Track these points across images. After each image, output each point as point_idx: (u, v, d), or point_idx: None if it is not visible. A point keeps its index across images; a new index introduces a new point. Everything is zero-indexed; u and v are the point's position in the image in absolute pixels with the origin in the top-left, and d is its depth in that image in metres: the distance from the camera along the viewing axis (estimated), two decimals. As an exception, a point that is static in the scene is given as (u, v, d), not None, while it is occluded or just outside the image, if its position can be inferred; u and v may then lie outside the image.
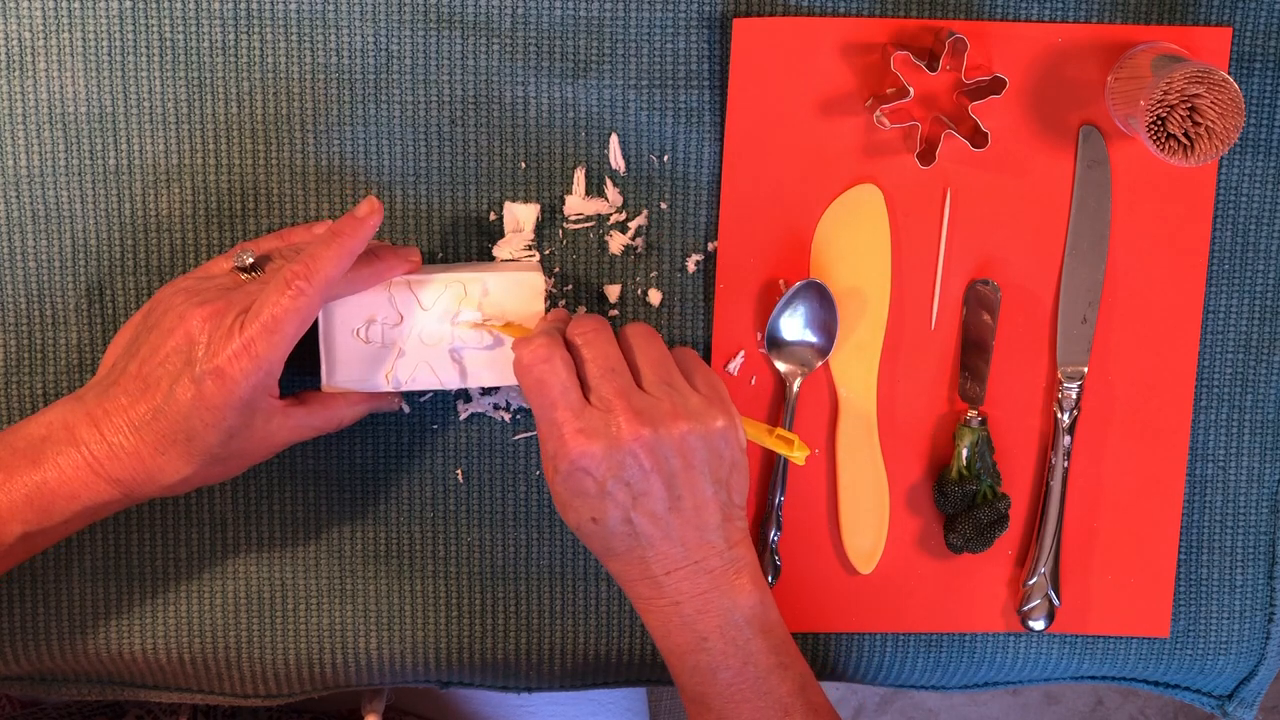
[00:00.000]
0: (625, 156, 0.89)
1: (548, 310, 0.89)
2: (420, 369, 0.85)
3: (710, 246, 0.91)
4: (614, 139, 0.89)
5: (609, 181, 0.90)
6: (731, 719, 0.81)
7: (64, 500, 0.78)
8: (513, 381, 0.86)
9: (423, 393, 0.90)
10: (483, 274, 0.85)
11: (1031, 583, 0.94)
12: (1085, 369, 0.92)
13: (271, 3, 0.86)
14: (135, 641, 0.92)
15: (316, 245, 0.79)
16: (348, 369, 0.85)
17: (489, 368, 0.86)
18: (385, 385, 0.85)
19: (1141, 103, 0.81)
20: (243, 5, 0.86)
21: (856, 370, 0.92)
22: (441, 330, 0.85)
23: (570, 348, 0.82)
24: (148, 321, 0.80)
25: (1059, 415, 0.93)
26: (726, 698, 0.81)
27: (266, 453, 0.83)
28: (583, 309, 0.91)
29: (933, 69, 0.86)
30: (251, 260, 0.81)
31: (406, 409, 0.91)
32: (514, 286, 0.85)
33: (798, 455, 0.85)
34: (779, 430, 0.86)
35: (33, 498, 0.78)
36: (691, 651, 0.81)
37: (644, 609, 0.82)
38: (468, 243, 0.90)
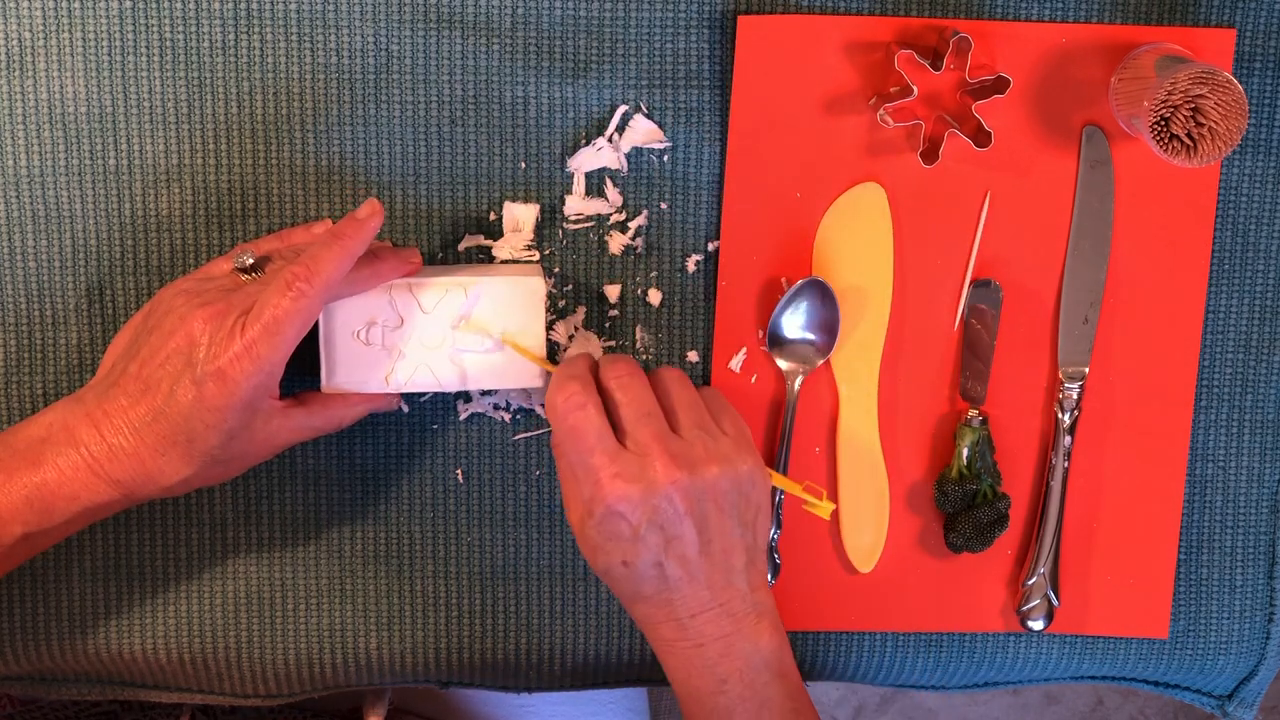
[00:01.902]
0: (625, 156, 0.89)
1: (549, 312, 0.89)
2: (420, 371, 0.85)
3: (710, 246, 0.91)
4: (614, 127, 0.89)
5: (609, 181, 0.89)
6: None
7: (64, 501, 0.78)
8: (511, 385, 0.86)
9: (422, 393, 0.90)
10: (483, 278, 0.85)
11: (1031, 583, 0.94)
12: (1086, 369, 0.92)
13: (271, 3, 0.86)
14: (135, 641, 0.92)
15: (317, 247, 0.79)
16: (348, 370, 0.85)
17: (489, 371, 0.86)
18: (385, 387, 0.85)
19: (1145, 103, 0.81)
20: (243, 5, 0.86)
21: (858, 369, 0.92)
22: (442, 333, 0.85)
23: (603, 391, 0.82)
24: (148, 323, 0.80)
25: (1060, 415, 0.93)
26: None
27: (267, 454, 0.83)
28: (585, 340, 0.90)
29: (937, 68, 0.86)
30: (251, 261, 0.81)
31: (406, 408, 0.90)
32: (514, 291, 0.85)
33: (824, 508, 0.86)
34: (808, 482, 0.87)
35: (33, 499, 0.78)
36: (711, 694, 0.81)
37: (665, 651, 0.82)
38: (468, 243, 0.89)
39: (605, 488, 0.79)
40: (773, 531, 0.92)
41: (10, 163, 0.87)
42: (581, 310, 0.91)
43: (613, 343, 0.91)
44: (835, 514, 0.93)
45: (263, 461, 0.84)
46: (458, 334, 0.85)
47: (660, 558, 0.79)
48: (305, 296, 0.77)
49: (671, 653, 0.82)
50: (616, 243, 0.90)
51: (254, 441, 0.81)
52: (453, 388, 0.86)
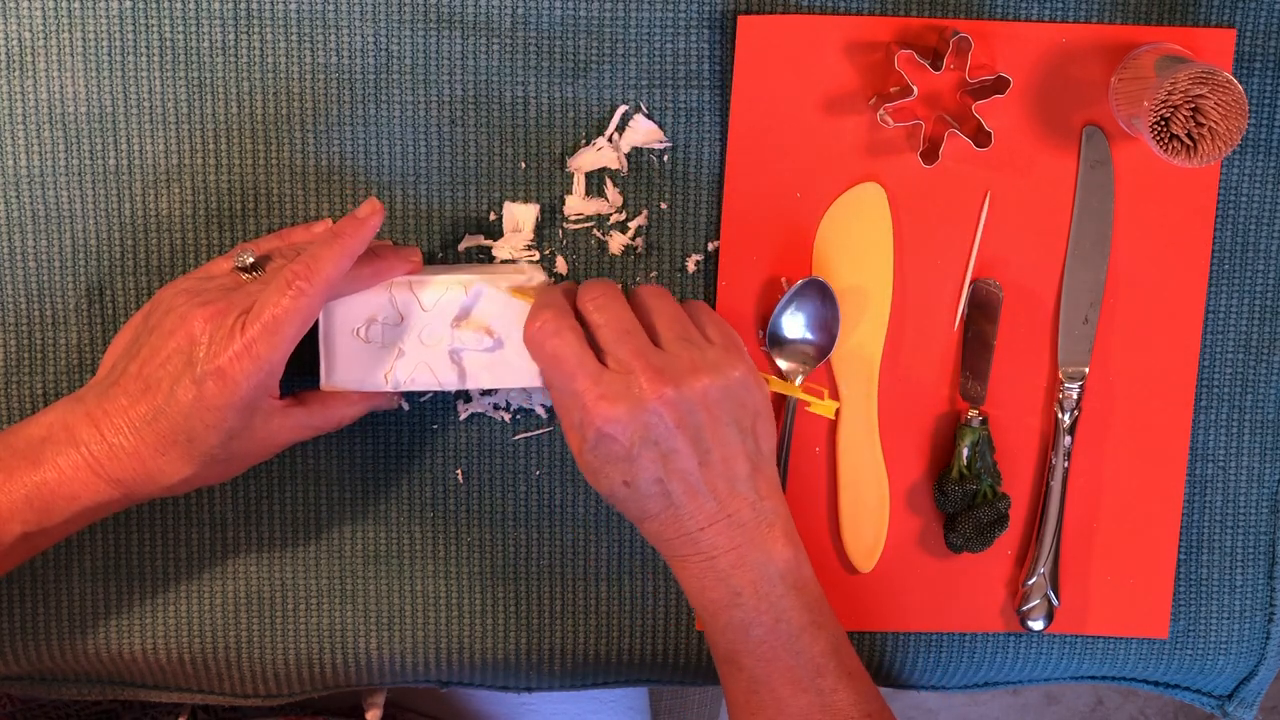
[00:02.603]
0: (625, 156, 0.89)
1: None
2: (419, 370, 0.85)
3: (710, 246, 0.91)
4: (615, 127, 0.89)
5: (609, 181, 0.89)
6: (763, 678, 0.81)
7: (64, 500, 0.78)
8: (512, 384, 0.86)
9: (422, 393, 0.90)
10: (484, 275, 0.85)
11: (1031, 583, 0.94)
12: (1086, 369, 0.92)
13: (271, 3, 0.86)
14: (135, 641, 0.92)
15: (317, 246, 0.79)
16: (347, 369, 0.84)
17: (488, 369, 0.85)
18: (384, 385, 0.85)
19: (1145, 103, 0.81)
20: (243, 5, 0.86)
21: (858, 369, 0.92)
22: (441, 331, 0.85)
23: (581, 315, 0.82)
24: (148, 322, 0.80)
25: (1060, 415, 0.93)
26: (758, 656, 0.80)
27: (267, 453, 0.83)
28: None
29: (937, 68, 0.86)
30: (252, 260, 0.81)
31: (406, 406, 0.90)
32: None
33: (827, 406, 0.85)
34: (807, 383, 0.86)
35: (32, 498, 0.78)
36: (725, 608, 0.80)
37: (679, 566, 0.82)
38: (468, 244, 0.89)
39: (592, 410, 0.78)
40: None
41: (10, 163, 0.87)
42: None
43: (613, 343, 0.91)
44: (835, 514, 0.93)
45: (263, 461, 0.84)
46: (457, 332, 0.85)
47: (660, 474, 0.79)
48: (305, 295, 0.77)
49: (685, 568, 0.81)
50: (616, 243, 0.90)
51: (254, 441, 0.81)
52: (452, 387, 0.86)
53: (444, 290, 0.84)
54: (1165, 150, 0.82)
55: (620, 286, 0.85)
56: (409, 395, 0.90)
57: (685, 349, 0.80)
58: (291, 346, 0.78)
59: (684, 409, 0.78)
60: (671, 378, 0.78)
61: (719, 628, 0.81)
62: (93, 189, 0.87)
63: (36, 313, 0.88)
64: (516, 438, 0.92)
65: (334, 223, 0.86)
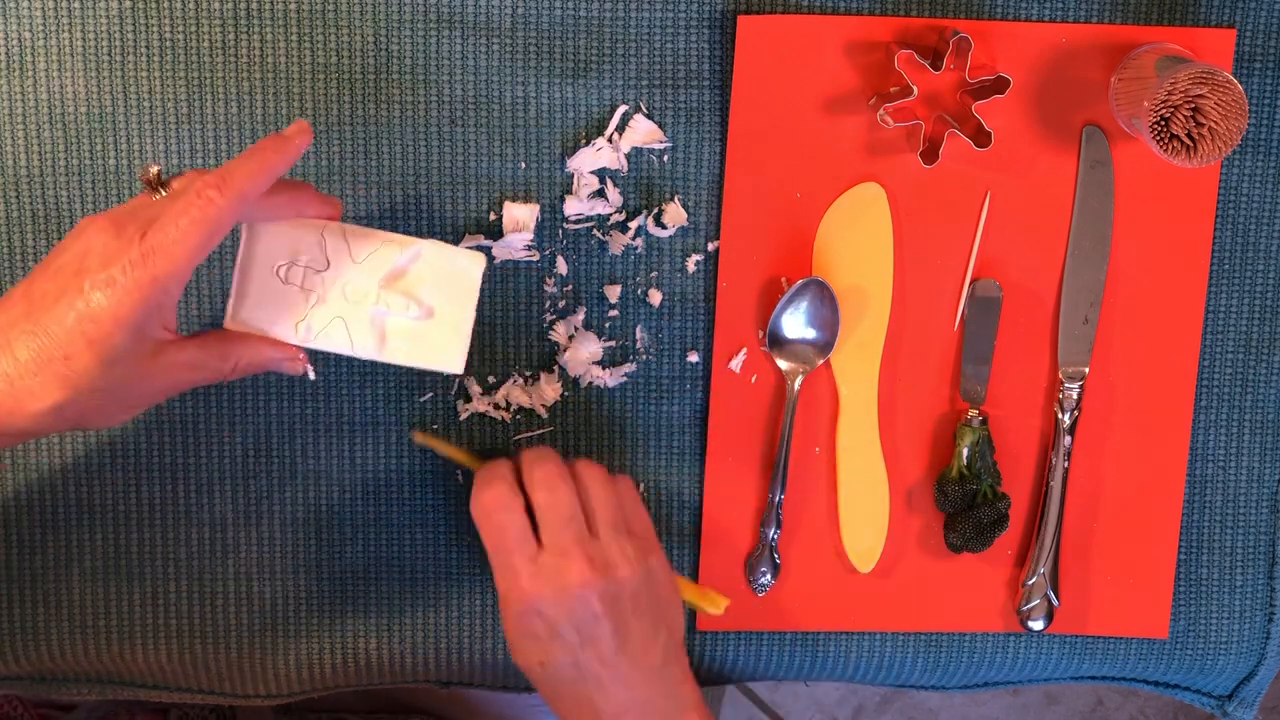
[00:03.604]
0: (625, 156, 0.89)
1: (549, 313, 0.89)
2: (335, 325, 0.79)
3: (710, 246, 0.91)
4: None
5: (609, 181, 0.89)
6: None
7: None
8: (430, 365, 0.80)
9: (332, 356, 0.86)
10: (424, 244, 0.80)
11: (1031, 583, 0.94)
12: (1086, 369, 0.92)
13: (271, 3, 0.86)
14: (135, 641, 0.92)
15: (234, 160, 0.73)
16: (257, 305, 0.78)
17: (410, 341, 0.80)
18: (293, 336, 0.78)
19: (1145, 103, 0.81)
20: (243, 5, 0.86)
21: (858, 369, 0.92)
22: (367, 288, 0.79)
23: (526, 486, 0.83)
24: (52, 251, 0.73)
25: (1060, 415, 0.93)
26: None
27: (152, 394, 0.75)
28: (585, 340, 0.90)
29: (937, 68, 0.86)
30: (157, 172, 0.73)
31: (313, 376, 0.84)
32: (453, 263, 0.80)
33: (718, 604, 0.87)
34: (706, 588, 0.88)
35: None
36: None
37: None
38: (468, 243, 0.89)
39: (524, 586, 0.81)
40: (773, 531, 0.92)
41: (10, 163, 0.87)
42: (581, 310, 0.91)
43: (612, 343, 0.91)
44: (835, 514, 0.93)
45: (147, 406, 0.76)
46: (385, 293, 0.79)
47: (577, 656, 0.81)
48: (214, 205, 0.70)
49: None
50: (616, 243, 0.90)
51: (139, 373, 0.72)
52: (366, 354, 0.79)
53: (379, 244, 0.79)
54: (1165, 150, 0.82)
55: (560, 458, 0.85)
56: (313, 354, 0.83)
57: (615, 540, 0.82)
58: (193, 262, 0.71)
59: (610, 598, 0.81)
60: (603, 567, 0.81)
61: None
62: (93, 189, 0.87)
63: (36, 313, 0.88)
64: (517, 438, 0.92)
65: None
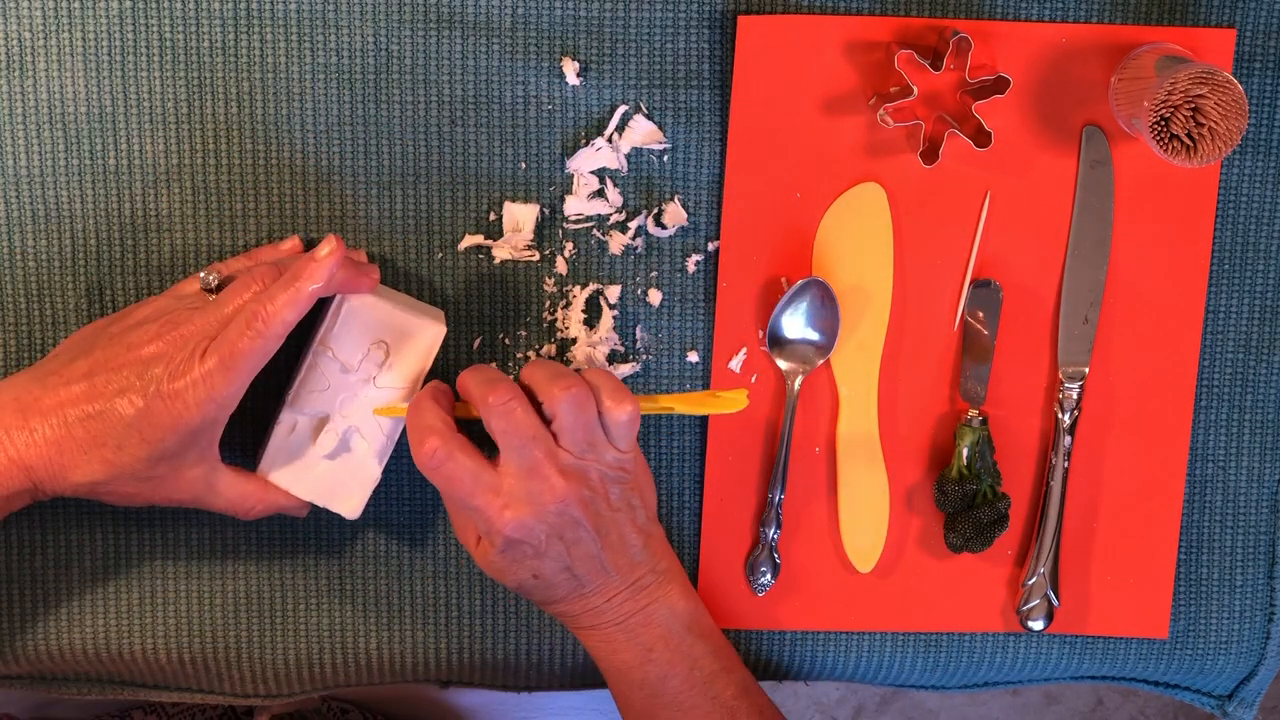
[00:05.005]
0: (625, 156, 0.89)
1: (549, 313, 0.89)
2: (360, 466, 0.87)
3: (710, 246, 0.91)
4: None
5: (609, 181, 0.89)
6: None
7: None
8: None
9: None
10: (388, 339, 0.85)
11: (1031, 583, 0.94)
12: (1086, 369, 0.92)
13: (271, 3, 0.86)
14: (135, 641, 0.92)
15: (276, 288, 0.79)
16: (285, 468, 0.86)
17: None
18: (317, 498, 0.86)
19: (1145, 103, 0.81)
20: (243, 5, 0.86)
21: (858, 369, 0.92)
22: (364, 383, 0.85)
23: (485, 412, 0.81)
24: (111, 329, 0.81)
25: (1060, 415, 0.93)
26: (675, 707, 0.85)
27: (178, 497, 0.82)
28: (585, 341, 0.90)
29: (937, 68, 0.86)
30: (217, 282, 0.83)
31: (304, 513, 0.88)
32: (412, 339, 0.85)
33: (737, 401, 0.85)
34: (716, 393, 0.87)
35: None
36: (639, 666, 0.85)
37: (587, 636, 0.86)
38: (468, 243, 0.89)
39: (497, 521, 0.81)
40: (773, 531, 0.92)
41: (10, 163, 0.87)
42: (581, 310, 0.91)
43: (612, 342, 0.91)
44: (835, 514, 0.93)
45: (169, 504, 0.83)
46: (378, 374, 0.85)
47: (566, 563, 0.82)
48: (262, 337, 0.78)
49: (593, 636, 0.86)
50: (616, 243, 0.90)
51: (177, 479, 0.81)
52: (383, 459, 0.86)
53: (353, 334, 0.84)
54: (1165, 150, 0.82)
55: (500, 373, 0.84)
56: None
57: (587, 440, 0.81)
58: (245, 382, 0.79)
59: (587, 501, 0.82)
60: (576, 475, 0.81)
61: (634, 686, 0.85)
62: (93, 189, 0.87)
63: (36, 313, 0.88)
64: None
65: (301, 241, 0.87)
